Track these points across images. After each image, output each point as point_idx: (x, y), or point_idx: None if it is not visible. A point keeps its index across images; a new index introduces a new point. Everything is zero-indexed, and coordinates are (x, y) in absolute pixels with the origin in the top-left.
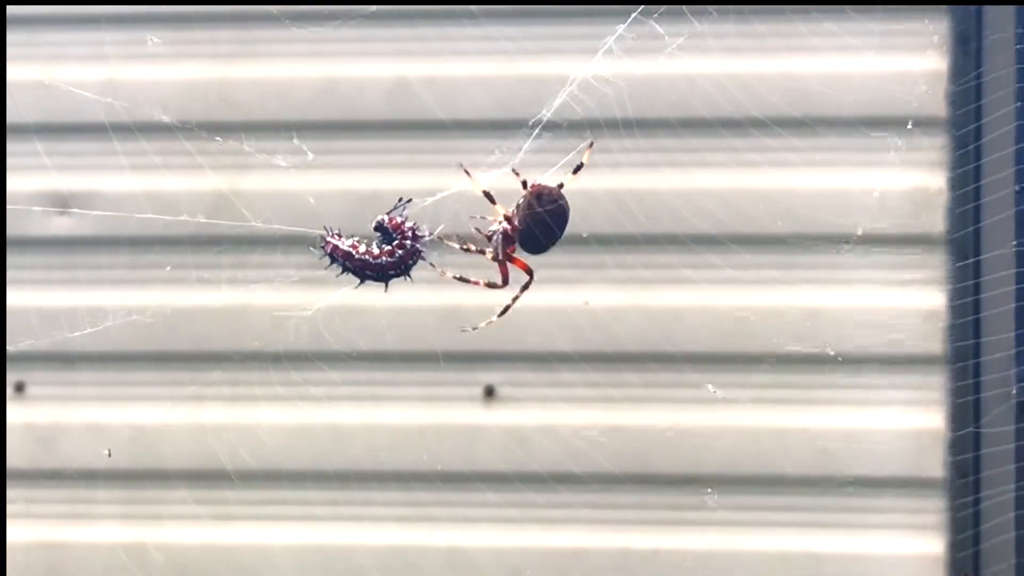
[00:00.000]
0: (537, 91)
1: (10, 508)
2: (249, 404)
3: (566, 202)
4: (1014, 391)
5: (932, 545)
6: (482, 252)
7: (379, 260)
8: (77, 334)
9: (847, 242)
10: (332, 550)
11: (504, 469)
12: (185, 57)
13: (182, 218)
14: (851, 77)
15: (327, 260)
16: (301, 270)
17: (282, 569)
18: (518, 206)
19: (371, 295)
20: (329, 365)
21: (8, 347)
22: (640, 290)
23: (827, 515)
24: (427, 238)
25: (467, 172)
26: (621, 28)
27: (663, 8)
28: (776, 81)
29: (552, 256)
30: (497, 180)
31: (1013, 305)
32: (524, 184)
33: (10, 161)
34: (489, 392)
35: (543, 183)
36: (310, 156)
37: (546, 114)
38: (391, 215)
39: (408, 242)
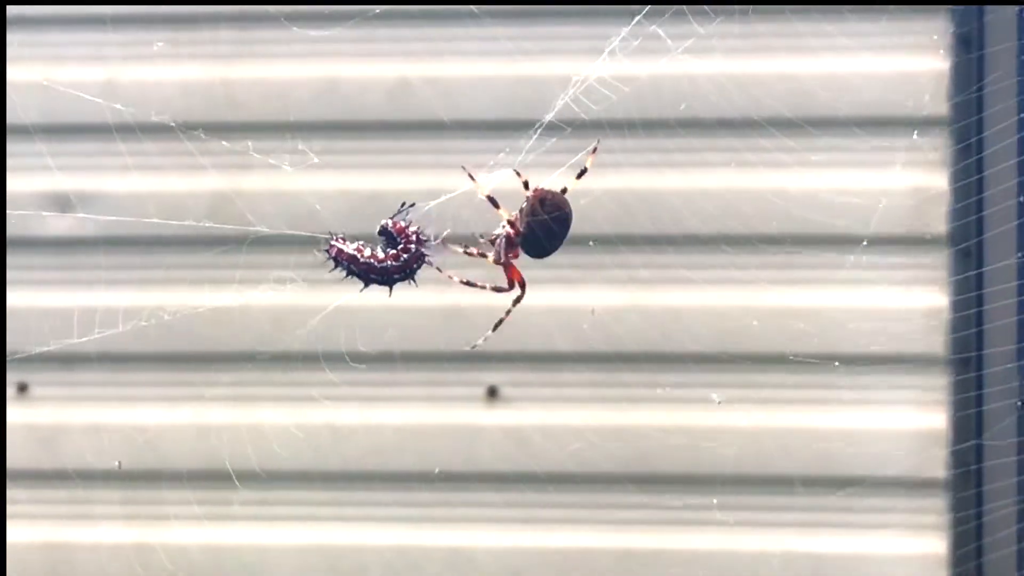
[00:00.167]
0: (538, 91)
1: (13, 509)
2: (251, 405)
3: (569, 207)
4: (1019, 403)
5: (934, 545)
6: (484, 256)
7: (384, 264)
8: (86, 338)
9: (855, 249)
10: (334, 550)
11: (506, 469)
12: (187, 58)
13: (187, 222)
14: (852, 79)
15: (331, 264)
16: (302, 271)
17: (284, 569)
18: (521, 210)
19: (373, 296)
20: (331, 366)
21: (17, 352)
22: (641, 291)
23: (829, 515)
24: (432, 243)
25: (471, 176)
26: (625, 31)
27: (672, 8)
28: (776, 83)
29: (554, 256)
30: (499, 181)
31: (1015, 300)
32: (526, 185)
33: (17, 162)
34: (491, 393)
35: (546, 188)
36: (315, 159)
37: (549, 116)
38: (395, 219)
39: (413, 246)
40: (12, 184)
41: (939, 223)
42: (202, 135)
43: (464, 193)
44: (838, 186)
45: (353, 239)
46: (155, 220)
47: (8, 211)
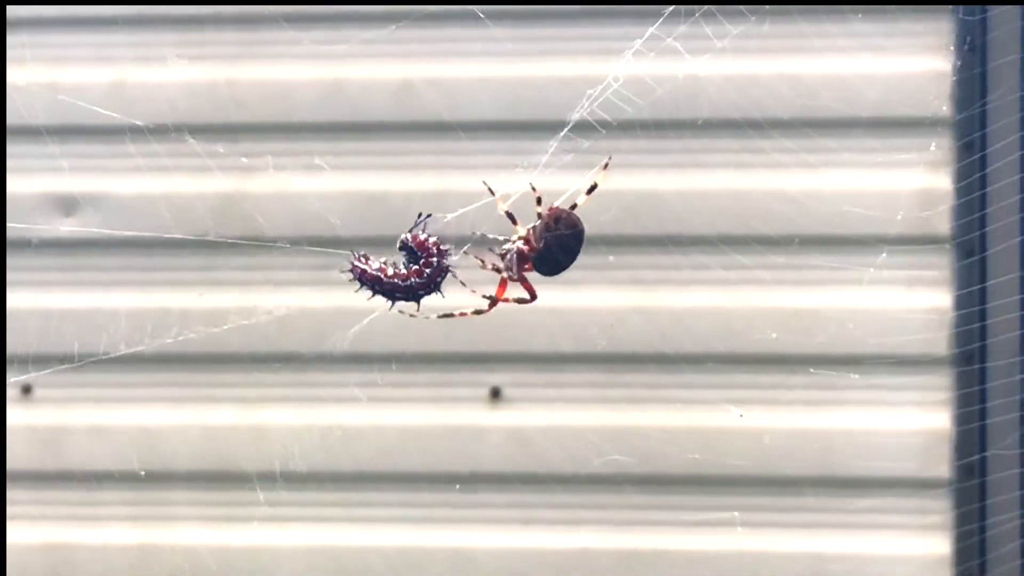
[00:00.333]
0: (543, 93)
1: (16, 510)
2: (256, 406)
3: (583, 226)
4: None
5: (938, 545)
6: (497, 270)
7: (408, 281)
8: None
9: (860, 250)
10: (339, 551)
11: (509, 470)
12: (192, 59)
13: (208, 238)
14: (854, 79)
15: (356, 284)
16: (304, 272)
17: (289, 570)
18: (535, 228)
19: (375, 298)
20: (335, 366)
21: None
22: (646, 292)
23: (832, 515)
24: (452, 254)
25: (491, 191)
26: (638, 43)
27: (682, 9)
28: (782, 83)
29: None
30: (517, 195)
31: (1019, 297)
32: (539, 201)
33: (24, 163)
34: (495, 394)
35: (560, 206)
36: (326, 169)
37: (576, 117)
38: (413, 232)
39: (435, 259)
40: (17, 186)
41: (943, 223)
42: (210, 136)
43: (479, 206)
44: (841, 187)
45: (375, 256)
46: (170, 227)
47: (15, 213)
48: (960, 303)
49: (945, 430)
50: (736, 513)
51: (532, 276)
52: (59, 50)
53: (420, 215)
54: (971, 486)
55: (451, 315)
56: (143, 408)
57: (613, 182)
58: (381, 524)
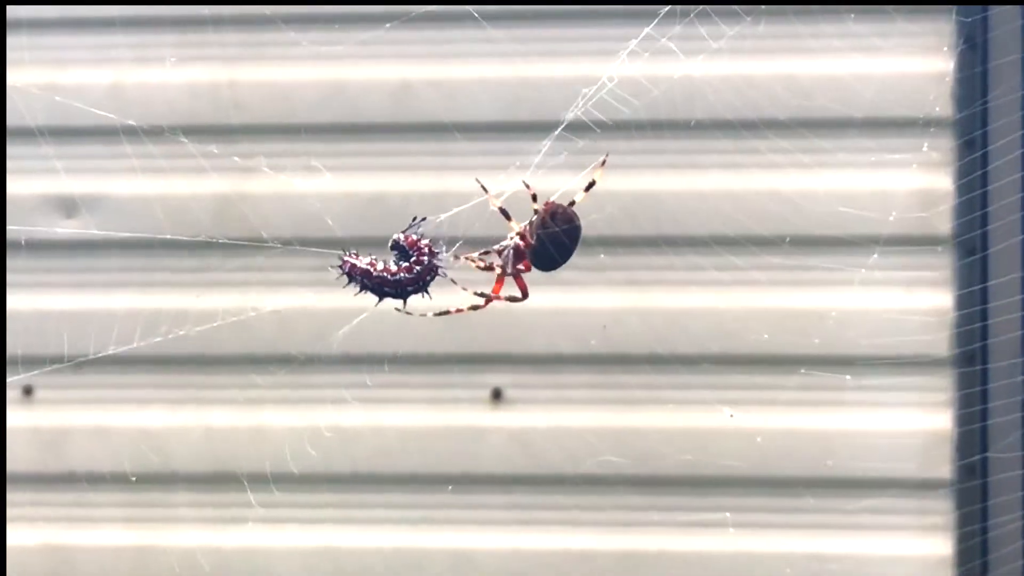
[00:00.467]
0: (542, 94)
1: (17, 512)
2: (255, 407)
3: (579, 222)
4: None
5: (939, 546)
6: (491, 268)
7: (397, 277)
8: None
9: (858, 250)
10: (338, 552)
11: (510, 471)
12: (192, 60)
13: (201, 238)
14: (853, 79)
15: (345, 279)
16: (303, 273)
17: (288, 571)
18: (531, 223)
19: (362, 293)
20: (335, 367)
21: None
22: (644, 292)
23: (833, 516)
24: (444, 255)
25: (484, 188)
26: (633, 44)
27: (678, 9)
28: (777, 84)
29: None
30: (510, 192)
31: (1020, 297)
32: (534, 198)
33: (26, 164)
34: (496, 395)
35: (557, 202)
36: (326, 175)
37: (569, 117)
38: (406, 233)
39: (425, 258)
40: (18, 187)
41: (943, 222)
42: (209, 137)
43: (474, 205)
44: (836, 188)
45: (366, 254)
46: (166, 230)
47: (15, 214)
48: (961, 303)
49: (946, 431)
50: (736, 514)
51: (529, 275)
52: (58, 51)
53: (415, 218)
54: (973, 487)
55: (447, 312)
56: (143, 409)
57: (608, 182)
58: (381, 525)
